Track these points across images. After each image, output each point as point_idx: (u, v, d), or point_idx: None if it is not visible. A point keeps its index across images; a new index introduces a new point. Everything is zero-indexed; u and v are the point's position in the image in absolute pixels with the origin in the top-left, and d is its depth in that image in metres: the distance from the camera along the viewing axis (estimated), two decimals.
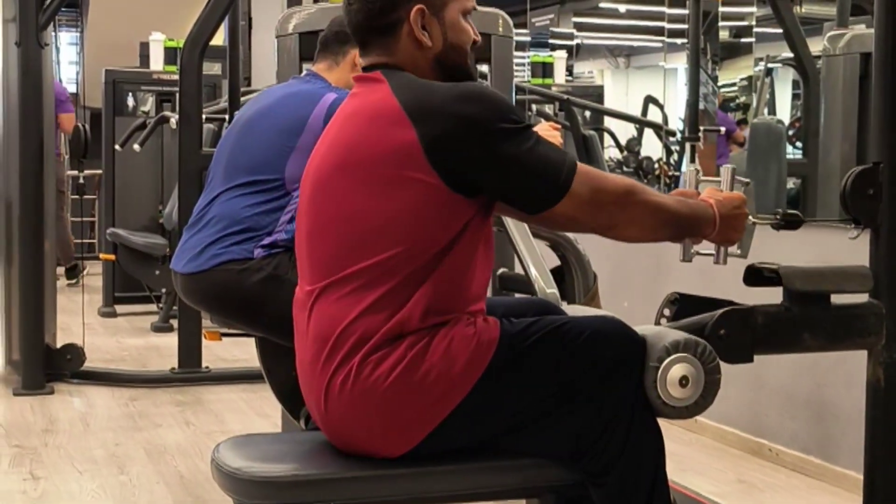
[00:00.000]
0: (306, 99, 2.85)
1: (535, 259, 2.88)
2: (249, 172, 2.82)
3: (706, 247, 2.18)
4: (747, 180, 2.23)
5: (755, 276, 2.17)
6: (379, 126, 1.95)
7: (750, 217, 2.16)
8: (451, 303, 1.94)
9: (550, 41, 8.22)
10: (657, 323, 2.19)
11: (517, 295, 3.31)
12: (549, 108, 7.10)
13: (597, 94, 8.17)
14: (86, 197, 7.79)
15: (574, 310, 2.36)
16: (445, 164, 1.90)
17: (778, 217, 2.21)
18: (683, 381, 1.95)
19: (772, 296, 2.15)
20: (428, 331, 1.91)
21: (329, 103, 2.78)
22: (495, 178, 1.93)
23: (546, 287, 2.81)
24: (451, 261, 1.93)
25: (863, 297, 2.18)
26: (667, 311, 2.21)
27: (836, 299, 2.15)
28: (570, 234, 3.16)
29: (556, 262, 3.17)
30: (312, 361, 1.97)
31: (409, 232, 1.91)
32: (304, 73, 3.06)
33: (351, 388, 1.90)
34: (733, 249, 2.19)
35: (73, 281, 8.08)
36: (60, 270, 7.39)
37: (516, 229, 2.91)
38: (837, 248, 2.38)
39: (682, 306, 2.20)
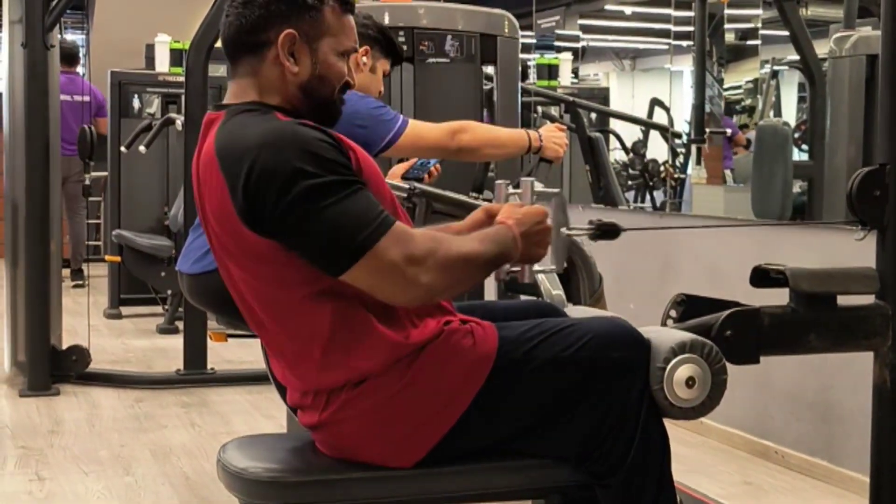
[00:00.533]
0: None
1: None
2: None
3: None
4: (556, 190, 2.13)
5: (762, 277, 2.16)
6: (206, 183, 1.89)
7: (563, 229, 2.08)
8: (409, 326, 1.90)
9: (556, 43, 8.23)
10: (663, 324, 2.19)
11: (522, 297, 3.30)
12: (554, 111, 7.10)
13: (602, 96, 8.17)
14: (91, 199, 7.81)
15: (580, 311, 2.36)
16: (248, 213, 1.80)
17: (592, 227, 2.16)
18: (690, 382, 1.95)
19: (778, 297, 2.15)
20: (419, 351, 1.89)
21: None
22: (285, 233, 1.79)
23: (552, 289, 2.81)
24: (360, 305, 1.86)
25: (869, 299, 2.18)
26: (673, 313, 2.21)
27: (843, 301, 2.15)
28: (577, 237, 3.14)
29: None
30: (300, 402, 1.99)
31: (290, 306, 1.86)
32: None
33: (349, 412, 1.90)
34: (546, 264, 2.08)
35: (80, 282, 8.08)
36: (66, 272, 7.40)
37: None
38: (843, 249, 2.37)
39: (689, 307, 2.19)
